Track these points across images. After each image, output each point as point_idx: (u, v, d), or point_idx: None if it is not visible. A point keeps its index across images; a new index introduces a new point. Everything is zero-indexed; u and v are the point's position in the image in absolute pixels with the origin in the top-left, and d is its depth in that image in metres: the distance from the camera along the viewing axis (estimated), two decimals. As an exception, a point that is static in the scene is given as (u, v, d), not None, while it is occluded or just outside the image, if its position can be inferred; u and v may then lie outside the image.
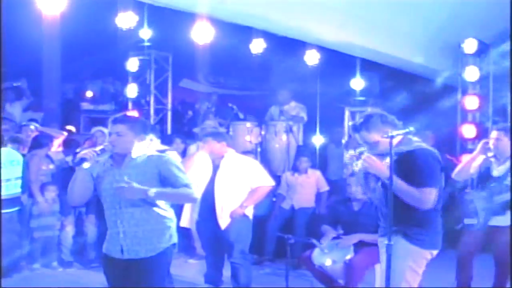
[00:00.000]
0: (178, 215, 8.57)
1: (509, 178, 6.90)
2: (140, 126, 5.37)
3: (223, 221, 7.60)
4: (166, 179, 5.21)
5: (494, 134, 7.10)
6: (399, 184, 5.09)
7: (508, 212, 6.97)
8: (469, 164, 6.92)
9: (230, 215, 7.56)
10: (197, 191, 5.58)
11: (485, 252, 7.33)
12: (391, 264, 5.03)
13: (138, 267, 5.17)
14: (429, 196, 5.09)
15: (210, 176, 7.62)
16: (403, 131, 5.32)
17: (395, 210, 5.07)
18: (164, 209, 5.30)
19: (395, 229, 5.13)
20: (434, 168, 5.17)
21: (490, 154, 7.14)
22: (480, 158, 6.92)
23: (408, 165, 5.14)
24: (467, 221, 7.14)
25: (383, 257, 5.23)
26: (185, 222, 8.04)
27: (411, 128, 5.35)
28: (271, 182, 8.04)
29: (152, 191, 5.02)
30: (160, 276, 5.27)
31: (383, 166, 5.19)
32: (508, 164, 7.01)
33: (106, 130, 10.68)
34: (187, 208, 8.07)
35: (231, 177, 7.57)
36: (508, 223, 6.98)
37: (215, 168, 7.65)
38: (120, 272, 5.24)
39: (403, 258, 5.13)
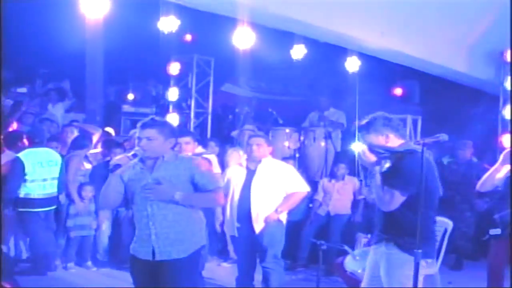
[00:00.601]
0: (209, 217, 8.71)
1: None
2: (169, 129, 5.45)
3: (258, 226, 7.59)
4: (197, 182, 5.31)
5: None
6: (376, 181, 5.17)
7: None
8: (493, 175, 6.77)
9: (264, 220, 7.57)
10: (222, 196, 5.65)
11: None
12: (385, 274, 5.15)
13: (170, 269, 5.24)
14: (390, 198, 5.07)
15: (245, 180, 7.61)
16: (434, 138, 5.30)
17: (386, 217, 5.16)
18: (195, 210, 5.40)
19: (387, 237, 5.18)
20: (411, 173, 5.07)
21: None
22: (505, 169, 6.77)
23: (394, 166, 5.17)
24: (492, 231, 7.10)
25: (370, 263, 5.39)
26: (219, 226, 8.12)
27: (444, 136, 5.34)
28: (307, 188, 8.00)
29: (179, 194, 5.10)
30: (191, 277, 5.38)
31: (371, 159, 5.26)
32: None
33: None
34: (220, 211, 8.14)
35: (268, 182, 7.56)
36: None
37: (251, 172, 7.63)
38: (150, 274, 5.30)
39: (399, 267, 5.11)
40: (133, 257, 5.39)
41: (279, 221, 7.69)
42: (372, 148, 5.32)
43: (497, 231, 6.98)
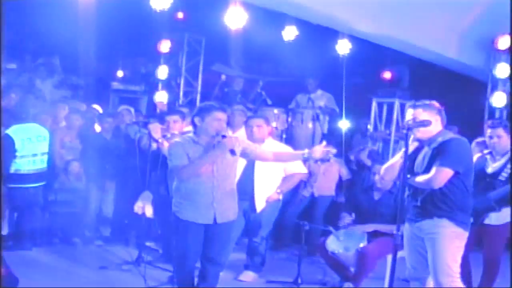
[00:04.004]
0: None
1: (504, 174, 6.92)
2: None
3: (260, 205, 7.78)
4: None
5: (495, 131, 7.11)
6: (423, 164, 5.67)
7: (504, 209, 7.01)
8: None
9: (266, 200, 7.73)
10: None
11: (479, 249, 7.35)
12: (438, 246, 5.54)
13: (228, 228, 6.30)
14: (439, 175, 5.45)
15: (248, 160, 7.63)
16: (419, 122, 5.56)
17: (438, 195, 5.52)
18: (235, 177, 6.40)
19: (439, 212, 5.54)
20: (460, 153, 5.54)
21: (486, 151, 7.16)
22: (475, 157, 6.84)
23: (439, 152, 5.51)
24: None
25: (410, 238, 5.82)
26: None
27: (428, 120, 5.56)
28: (304, 170, 8.42)
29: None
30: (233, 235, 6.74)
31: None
32: (503, 160, 7.04)
33: (132, 109, 10.81)
34: None
35: (270, 163, 7.66)
36: (502, 221, 7.07)
37: None
38: (209, 234, 6.21)
39: (452, 240, 5.54)
40: (189, 223, 6.15)
41: (278, 201, 7.99)
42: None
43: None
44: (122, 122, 10.09)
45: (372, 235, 7.66)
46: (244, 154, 6.33)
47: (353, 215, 8.02)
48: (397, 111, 12.29)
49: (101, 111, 11.30)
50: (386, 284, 6.48)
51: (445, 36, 11.59)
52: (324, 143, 6.38)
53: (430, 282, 5.84)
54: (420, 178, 5.58)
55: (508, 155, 7.10)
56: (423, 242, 5.68)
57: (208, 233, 6.22)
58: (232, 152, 5.93)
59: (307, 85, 12.25)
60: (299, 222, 8.07)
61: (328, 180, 10.12)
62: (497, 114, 11.87)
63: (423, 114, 5.60)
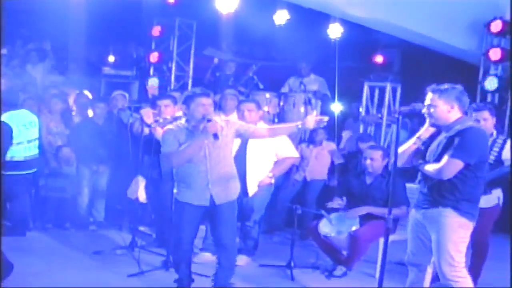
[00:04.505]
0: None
1: (491, 157, 6.94)
2: None
3: (252, 189, 7.84)
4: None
5: (481, 114, 7.10)
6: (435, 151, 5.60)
7: (493, 191, 7.09)
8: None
9: (258, 184, 7.78)
10: None
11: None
12: (441, 235, 5.50)
13: (227, 209, 6.42)
14: (449, 166, 5.38)
15: (240, 144, 7.68)
16: (410, 107, 5.58)
17: (446, 184, 5.45)
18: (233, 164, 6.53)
19: (444, 201, 5.49)
20: (473, 144, 5.42)
21: None
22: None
23: (455, 141, 5.41)
24: None
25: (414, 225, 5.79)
26: None
27: (419, 104, 5.57)
28: (296, 154, 8.49)
29: None
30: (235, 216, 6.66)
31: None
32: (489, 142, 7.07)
33: (127, 94, 10.80)
34: None
35: (262, 147, 7.70)
36: (491, 203, 7.11)
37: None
38: (207, 216, 6.50)
39: (456, 230, 5.49)
40: (187, 204, 6.35)
41: (270, 185, 8.05)
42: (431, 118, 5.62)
43: None
44: (115, 107, 10.07)
45: (365, 219, 7.69)
46: (239, 135, 6.48)
47: (345, 199, 8.05)
48: (388, 94, 12.29)
49: (90, 96, 11.26)
50: (378, 267, 6.53)
51: (437, 20, 11.55)
52: (315, 112, 6.46)
53: (429, 271, 5.88)
54: (430, 167, 5.52)
55: (494, 137, 7.15)
56: (426, 229, 5.67)
57: (211, 217, 6.50)
58: (215, 136, 5.99)
59: (299, 69, 12.26)
60: (291, 206, 8.09)
61: (320, 164, 10.15)
62: (489, 98, 11.89)
63: (438, 101, 5.51)
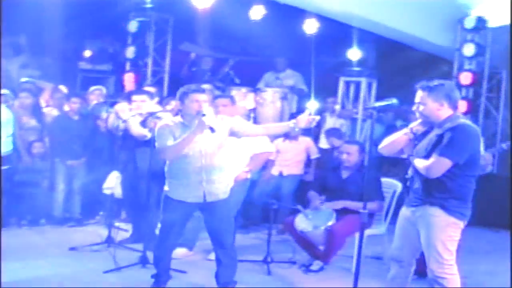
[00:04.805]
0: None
1: None
2: None
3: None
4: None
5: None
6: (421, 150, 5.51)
7: None
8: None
9: (234, 179, 7.74)
10: None
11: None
12: (429, 234, 5.42)
13: (221, 207, 6.42)
14: (437, 165, 5.31)
15: None
16: (386, 102, 5.49)
17: (430, 182, 5.39)
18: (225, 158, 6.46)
19: (431, 200, 5.42)
20: (463, 143, 5.32)
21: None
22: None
23: (444, 139, 5.34)
24: None
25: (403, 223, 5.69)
26: None
27: (394, 100, 5.51)
28: (272, 148, 8.57)
29: None
30: (231, 213, 6.83)
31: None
32: None
33: (104, 89, 10.78)
34: None
35: (238, 142, 7.70)
36: None
37: None
38: (206, 216, 6.49)
39: (443, 229, 5.41)
40: (178, 201, 6.35)
41: (246, 180, 8.02)
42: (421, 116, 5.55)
43: None
44: (92, 102, 10.06)
45: (341, 213, 7.71)
46: (233, 133, 6.45)
47: (323, 196, 8.07)
48: (364, 90, 12.36)
49: (66, 91, 11.22)
50: (354, 262, 6.57)
51: (412, 15, 11.64)
52: (308, 111, 6.43)
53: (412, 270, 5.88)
54: (419, 163, 5.46)
55: None
56: (413, 227, 5.61)
57: (205, 214, 6.51)
58: (211, 129, 6.00)
59: (276, 64, 12.28)
60: (268, 201, 8.12)
61: (296, 159, 10.19)
62: (463, 93, 11.99)
63: (427, 99, 5.40)
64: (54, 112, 10.37)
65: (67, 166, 9.70)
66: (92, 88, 10.68)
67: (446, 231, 5.40)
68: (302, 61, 12.54)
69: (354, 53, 13.54)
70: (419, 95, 5.47)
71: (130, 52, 13.16)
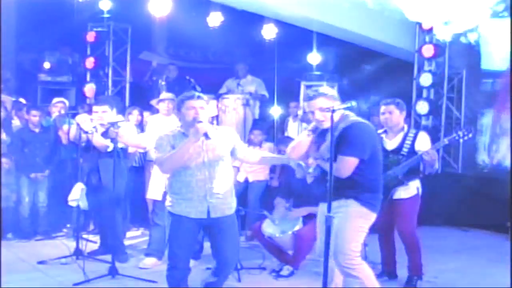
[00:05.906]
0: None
1: (404, 149, 7.21)
2: None
3: None
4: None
5: (387, 108, 7.35)
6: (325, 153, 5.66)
7: (411, 183, 7.28)
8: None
9: None
10: None
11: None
12: (340, 223, 5.55)
13: (226, 223, 6.09)
14: (345, 164, 5.50)
15: None
16: (345, 105, 5.55)
17: (343, 180, 5.53)
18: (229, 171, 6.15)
19: (347, 193, 5.59)
20: (362, 140, 5.57)
21: (380, 131, 7.32)
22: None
23: (342, 139, 5.53)
24: None
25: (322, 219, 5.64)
26: (154, 194, 8.19)
27: (353, 103, 5.57)
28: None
29: None
30: (236, 229, 6.32)
31: None
32: (400, 136, 7.31)
33: (67, 101, 10.72)
34: (155, 180, 8.19)
35: None
36: (410, 194, 7.33)
37: None
38: (211, 232, 6.13)
39: (355, 218, 5.61)
40: (182, 217, 5.95)
41: None
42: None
43: None
44: (53, 114, 10.00)
45: (308, 217, 7.76)
46: (231, 151, 6.19)
47: (291, 201, 8.09)
48: (325, 94, 12.39)
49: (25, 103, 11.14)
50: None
51: (371, 18, 11.71)
52: (311, 160, 6.34)
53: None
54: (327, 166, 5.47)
55: (405, 131, 7.34)
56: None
57: (210, 232, 6.17)
58: (206, 135, 5.76)
59: (236, 71, 12.32)
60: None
61: (262, 165, 10.18)
62: (425, 94, 12.12)
63: (327, 102, 5.59)
64: (17, 124, 10.26)
65: (31, 179, 9.62)
66: (55, 100, 10.61)
67: (358, 221, 5.61)
68: (263, 67, 12.59)
69: (314, 58, 13.60)
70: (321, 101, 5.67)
71: (89, 62, 13.09)
